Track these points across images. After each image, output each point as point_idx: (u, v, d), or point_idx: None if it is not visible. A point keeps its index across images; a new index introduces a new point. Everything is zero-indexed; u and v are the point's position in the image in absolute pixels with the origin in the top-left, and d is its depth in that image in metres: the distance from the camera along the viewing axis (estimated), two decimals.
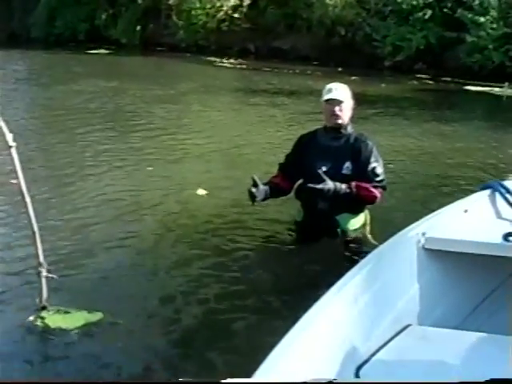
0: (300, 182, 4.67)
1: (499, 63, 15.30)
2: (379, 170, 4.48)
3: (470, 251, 2.95)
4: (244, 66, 18.25)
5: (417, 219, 3.16)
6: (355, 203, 4.54)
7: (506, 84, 14.16)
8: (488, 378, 2.14)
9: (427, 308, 2.79)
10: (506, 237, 3.04)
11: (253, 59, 19.07)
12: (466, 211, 3.35)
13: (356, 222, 4.64)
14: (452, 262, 2.97)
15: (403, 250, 2.85)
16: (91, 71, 15.51)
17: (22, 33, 26.25)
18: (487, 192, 3.64)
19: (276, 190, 4.69)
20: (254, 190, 4.52)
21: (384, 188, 4.53)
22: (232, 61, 19.25)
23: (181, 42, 21.76)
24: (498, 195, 3.62)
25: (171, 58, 19.63)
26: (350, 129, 4.58)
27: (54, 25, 25.39)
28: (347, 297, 2.39)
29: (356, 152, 4.49)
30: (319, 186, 4.31)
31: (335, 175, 4.41)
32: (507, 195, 3.60)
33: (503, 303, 3.12)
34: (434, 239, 2.95)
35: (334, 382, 2.12)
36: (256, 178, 4.56)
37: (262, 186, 4.57)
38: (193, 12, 21.23)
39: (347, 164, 4.48)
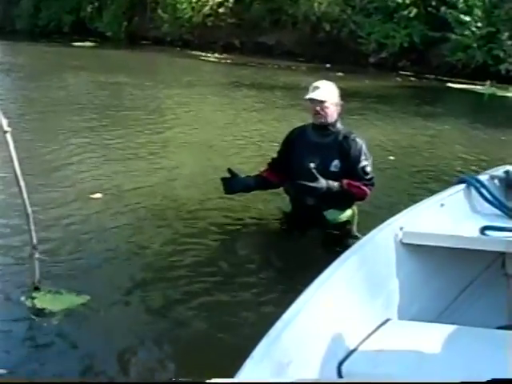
0: (289, 179, 4.68)
1: (482, 62, 15.42)
2: (369, 169, 4.51)
3: (448, 245, 2.98)
4: (229, 61, 18.24)
5: (396, 212, 3.19)
6: (344, 199, 4.57)
7: (488, 82, 14.27)
8: (467, 369, 2.21)
9: (406, 302, 2.80)
10: (482, 230, 3.09)
11: (238, 54, 19.06)
12: (442, 205, 3.37)
13: (343, 217, 4.67)
14: (430, 256, 2.99)
15: (381, 244, 2.85)
16: (77, 64, 15.43)
17: (6, 24, 26.09)
18: (462, 186, 3.68)
19: (264, 182, 4.79)
20: (225, 178, 4.68)
21: (373, 185, 4.57)
22: (217, 55, 19.25)
23: (166, 35, 21.72)
24: (472, 189, 3.67)
25: (156, 52, 19.59)
26: (338, 126, 4.60)
27: (38, 16, 25.26)
28: (327, 293, 2.39)
29: (344, 150, 4.51)
30: (313, 184, 4.36)
31: (323, 172, 4.44)
32: (482, 189, 3.65)
33: (480, 296, 3.18)
34: (411, 233, 2.97)
35: (319, 382, 2.15)
36: (232, 169, 4.69)
37: (240, 177, 4.70)
38: (178, 6, 21.19)
39: (335, 162, 4.51)
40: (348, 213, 4.69)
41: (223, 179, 4.72)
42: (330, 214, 4.61)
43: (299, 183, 4.43)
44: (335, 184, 4.41)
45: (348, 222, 4.66)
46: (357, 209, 4.72)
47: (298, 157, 4.59)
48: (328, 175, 4.43)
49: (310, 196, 4.48)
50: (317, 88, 4.51)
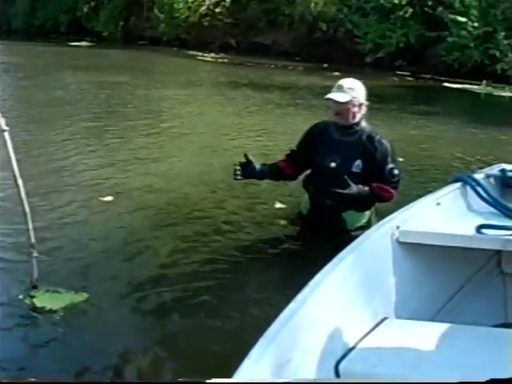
0: (308, 172, 4.65)
1: (479, 62, 15.45)
2: (396, 171, 4.41)
3: (444, 243, 2.97)
4: (226, 61, 18.24)
5: (392, 211, 3.20)
6: (366, 201, 4.49)
7: (484, 82, 14.34)
8: (464, 367, 2.21)
9: (403, 301, 2.80)
10: (478, 229, 3.09)
11: (234, 54, 19.07)
12: (438, 204, 3.37)
13: (362, 219, 4.57)
14: (426, 255, 2.99)
15: (378, 244, 2.85)
16: (74, 64, 15.40)
17: (2, 24, 26.04)
18: (457, 185, 3.67)
19: (278, 173, 4.69)
20: (238, 165, 4.55)
21: (398, 187, 4.49)
22: (213, 55, 19.26)
23: (162, 35, 21.72)
24: (468, 188, 3.66)
25: (153, 52, 19.60)
26: (362, 124, 4.47)
27: (35, 16, 25.23)
28: (323, 292, 2.38)
29: (368, 151, 4.39)
30: (346, 191, 4.26)
31: (345, 172, 4.35)
32: (477, 188, 3.64)
33: (476, 294, 3.18)
34: (407, 232, 2.96)
35: (316, 382, 2.15)
36: (249, 156, 4.55)
37: (255, 165, 4.55)
38: (175, 5, 21.19)
39: (357, 162, 4.39)
40: (367, 215, 4.59)
41: (237, 165, 4.56)
42: (349, 216, 4.51)
43: (333, 191, 4.30)
44: (365, 189, 4.32)
45: (366, 224, 4.50)
46: (375, 211, 4.63)
47: (319, 154, 4.48)
48: (349, 175, 4.32)
49: (328, 194, 4.38)
50: (340, 88, 4.37)
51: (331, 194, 4.32)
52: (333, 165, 4.41)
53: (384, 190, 4.40)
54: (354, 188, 4.28)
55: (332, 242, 4.34)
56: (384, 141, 4.44)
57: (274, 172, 4.68)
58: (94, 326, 3.30)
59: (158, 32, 21.78)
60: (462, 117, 10.81)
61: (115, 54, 19.25)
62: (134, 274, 3.88)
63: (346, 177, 4.28)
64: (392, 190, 4.42)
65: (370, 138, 4.43)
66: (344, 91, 4.35)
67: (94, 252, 4.17)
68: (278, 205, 5.09)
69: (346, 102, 4.33)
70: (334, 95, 4.35)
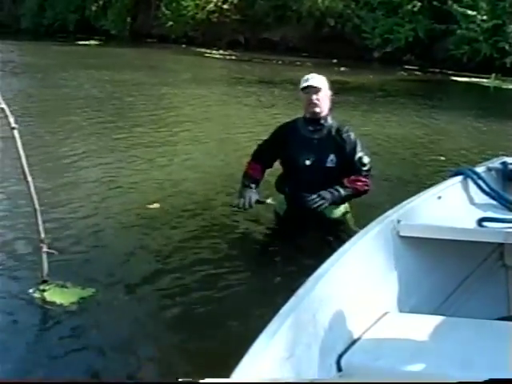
0: (283, 176, 4.65)
1: (488, 55, 15.40)
2: (366, 160, 4.45)
3: (445, 237, 2.96)
4: (234, 58, 18.26)
5: (395, 204, 3.19)
6: (347, 199, 4.51)
7: (493, 75, 14.28)
8: (466, 361, 2.21)
9: (405, 295, 2.79)
10: (479, 222, 3.09)
11: (242, 50, 19.10)
12: (439, 198, 3.36)
13: (339, 211, 4.60)
14: (427, 249, 2.98)
15: (379, 237, 2.83)
16: (84, 62, 15.47)
17: (11, 23, 26.19)
18: (459, 178, 3.66)
19: (257, 184, 4.69)
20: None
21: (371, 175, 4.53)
22: (222, 52, 19.28)
23: (170, 33, 21.79)
24: (470, 181, 3.65)
25: (161, 49, 19.64)
26: (329, 120, 4.52)
27: (43, 15, 25.37)
28: (324, 287, 2.38)
29: (339, 144, 4.44)
30: (321, 203, 4.31)
31: (320, 168, 4.40)
32: (479, 181, 3.63)
33: (479, 287, 3.17)
34: (408, 226, 2.95)
35: (316, 382, 2.15)
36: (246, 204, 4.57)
37: (261, 199, 4.63)
38: (182, 3, 21.25)
39: (331, 157, 4.43)
40: (342, 207, 4.61)
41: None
42: (327, 210, 4.49)
43: (311, 206, 4.35)
44: (339, 190, 4.35)
45: (344, 216, 4.57)
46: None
47: (292, 153, 4.50)
48: (324, 171, 4.39)
49: (306, 193, 4.38)
50: (310, 78, 4.44)
51: (309, 205, 4.35)
52: (307, 162, 4.43)
53: (356, 181, 4.42)
54: (328, 195, 4.33)
55: (317, 237, 4.41)
56: (351, 132, 4.50)
57: (258, 186, 4.70)
58: (99, 322, 3.31)
59: (165, 29, 21.85)
60: (471, 110, 10.76)
61: (124, 52, 19.30)
62: (140, 272, 3.89)
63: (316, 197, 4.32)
64: (364, 179, 4.44)
65: (339, 131, 4.48)
66: (316, 80, 4.43)
67: (103, 248, 4.19)
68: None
69: (321, 89, 4.40)
70: (311, 82, 4.40)
